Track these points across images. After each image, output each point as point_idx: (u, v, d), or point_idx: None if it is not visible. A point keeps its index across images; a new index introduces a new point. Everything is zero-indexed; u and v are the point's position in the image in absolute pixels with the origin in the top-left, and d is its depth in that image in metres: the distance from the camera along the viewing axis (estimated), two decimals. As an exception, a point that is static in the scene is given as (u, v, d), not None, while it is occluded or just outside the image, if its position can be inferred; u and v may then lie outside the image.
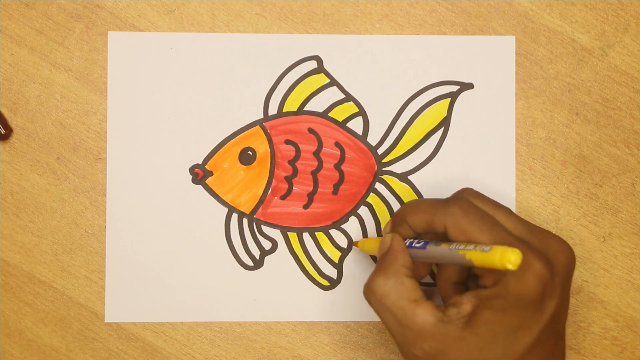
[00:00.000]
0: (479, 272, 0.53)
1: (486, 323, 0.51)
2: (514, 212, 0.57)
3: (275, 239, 0.63)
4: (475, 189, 0.56)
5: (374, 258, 0.63)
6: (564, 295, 0.53)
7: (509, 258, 0.48)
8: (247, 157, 0.63)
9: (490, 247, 0.49)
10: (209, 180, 0.63)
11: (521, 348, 0.51)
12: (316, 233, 0.63)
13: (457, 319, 0.51)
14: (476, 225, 0.52)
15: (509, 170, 0.63)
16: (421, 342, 0.52)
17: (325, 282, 0.63)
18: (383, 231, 0.58)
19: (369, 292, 0.54)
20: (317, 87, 0.63)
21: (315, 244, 0.63)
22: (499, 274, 0.51)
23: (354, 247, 0.62)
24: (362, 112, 0.63)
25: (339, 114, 0.63)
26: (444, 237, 0.54)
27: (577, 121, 0.63)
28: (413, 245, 0.55)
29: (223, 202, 0.63)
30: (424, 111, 0.63)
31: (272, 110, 0.63)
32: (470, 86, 0.63)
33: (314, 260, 0.63)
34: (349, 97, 0.63)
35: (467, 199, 0.54)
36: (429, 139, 0.63)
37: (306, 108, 0.63)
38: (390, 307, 0.53)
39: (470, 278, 0.57)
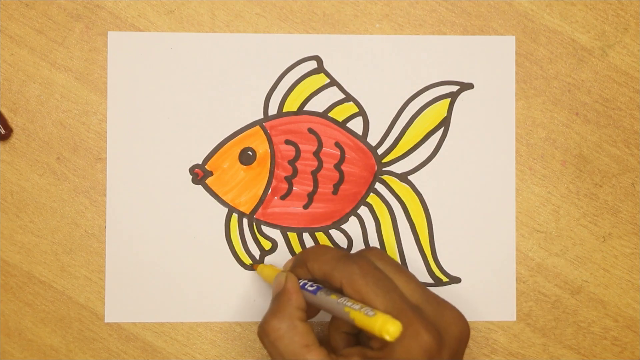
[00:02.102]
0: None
1: None
2: (418, 278, 0.57)
3: (275, 239, 0.63)
4: (381, 251, 0.56)
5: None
6: None
7: (388, 329, 0.49)
8: (247, 157, 0.63)
9: (375, 312, 0.50)
10: (209, 180, 0.63)
11: None
12: (316, 233, 0.63)
13: None
14: (371, 287, 0.52)
15: (509, 170, 0.63)
16: None
17: (325, 282, 0.63)
18: (284, 267, 0.58)
19: (263, 334, 0.54)
20: (317, 87, 0.63)
21: (315, 244, 0.63)
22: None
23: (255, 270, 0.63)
24: (362, 112, 0.63)
25: (339, 114, 0.63)
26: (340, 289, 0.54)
27: (577, 121, 0.63)
28: (306, 287, 0.55)
29: (223, 202, 0.63)
30: (424, 111, 0.63)
31: (272, 110, 0.63)
32: (470, 86, 0.63)
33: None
34: (349, 97, 0.63)
35: (369, 259, 0.54)
36: (429, 139, 0.63)
37: (306, 108, 0.63)
38: (282, 352, 0.53)
39: (362, 332, 0.56)
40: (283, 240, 0.63)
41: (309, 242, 0.63)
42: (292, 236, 0.63)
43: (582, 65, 0.63)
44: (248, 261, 0.62)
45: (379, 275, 0.53)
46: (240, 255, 0.62)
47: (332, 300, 0.53)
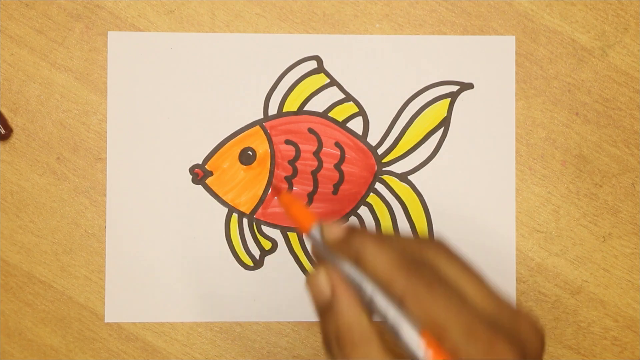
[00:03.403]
0: None
1: None
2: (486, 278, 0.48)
3: (275, 239, 0.63)
4: (445, 246, 0.47)
5: None
6: None
7: None
8: (247, 157, 0.63)
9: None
10: (209, 180, 0.63)
11: None
12: (316, 233, 0.63)
13: None
14: (440, 304, 0.43)
15: (509, 170, 0.63)
16: None
17: (325, 282, 0.63)
18: (327, 230, 0.47)
19: None
20: (317, 87, 0.63)
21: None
22: None
23: None
24: (362, 112, 0.63)
25: (339, 114, 0.63)
26: None
27: (577, 121, 0.63)
28: (358, 286, 0.44)
29: (223, 202, 0.63)
30: (424, 111, 0.63)
31: (272, 110, 0.63)
32: (470, 86, 0.63)
33: (314, 261, 0.63)
34: (349, 97, 0.63)
35: (435, 266, 0.45)
36: (429, 139, 0.63)
37: (306, 108, 0.63)
38: None
39: None
40: (283, 240, 0.63)
41: (309, 242, 0.63)
42: (292, 236, 0.63)
43: (582, 65, 0.63)
44: (248, 261, 0.62)
45: (447, 291, 0.44)
46: (240, 255, 0.62)
47: (387, 310, 0.43)
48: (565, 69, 0.63)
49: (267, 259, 0.63)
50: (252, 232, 0.63)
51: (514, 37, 0.63)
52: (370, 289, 0.43)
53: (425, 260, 0.45)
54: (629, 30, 0.63)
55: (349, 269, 0.43)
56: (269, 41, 0.63)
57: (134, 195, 0.62)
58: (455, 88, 0.63)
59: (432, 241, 0.47)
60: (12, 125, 0.62)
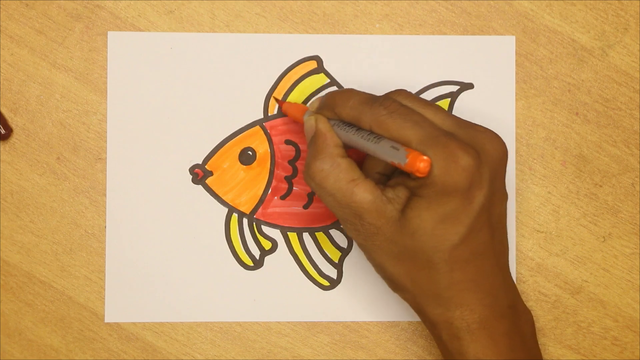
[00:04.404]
0: None
1: (415, 209, 0.52)
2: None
3: (275, 239, 0.63)
4: (406, 91, 0.56)
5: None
6: (495, 187, 0.54)
7: (418, 166, 0.50)
8: (247, 157, 0.63)
9: (402, 149, 0.51)
10: (209, 180, 0.63)
11: (453, 238, 0.52)
12: (316, 233, 0.63)
13: (394, 200, 0.53)
14: (399, 123, 0.52)
15: (509, 170, 0.63)
16: (360, 219, 0.53)
17: (325, 282, 0.63)
18: (310, 106, 0.58)
19: (309, 179, 0.55)
20: (317, 87, 0.63)
21: (315, 244, 0.63)
22: None
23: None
24: (362, 112, 0.63)
25: (339, 114, 0.63)
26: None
27: (577, 121, 0.63)
28: (337, 127, 0.56)
29: (223, 202, 0.63)
30: (424, 111, 0.63)
31: (272, 110, 0.63)
32: (470, 86, 0.63)
33: (314, 260, 0.63)
34: (349, 97, 0.63)
35: (393, 99, 0.54)
36: (429, 139, 0.63)
37: (306, 108, 0.63)
38: (330, 190, 0.54)
39: (396, 172, 0.57)
40: (283, 240, 0.63)
41: (309, 242, 0.63)
42: (292, 236, 0.63)
43: (582, 65, 0.63)
44: (248, 261, 0.62)
45: (406, 111, 0.53)
46: (240, 255, 0.62)
47: (364, 136, 0.53)
48: (565, 69, 0.63)
49: (267, 259, 0.63)
50: (252, 232, 0.63)
51: (514, 37, 0.63)
52: (348, 129, 0.55)
53: (388, 97, 0.55)
54: (629, 30, 0.63)
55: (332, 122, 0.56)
56: (269, 41, 0.63)
57: (134, 195, 0.62)
58: (455, 88, 0.63)
59: (393, 90, 0.56)
60: (12, 125, 0.62)
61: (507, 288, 0.55)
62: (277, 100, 0.62)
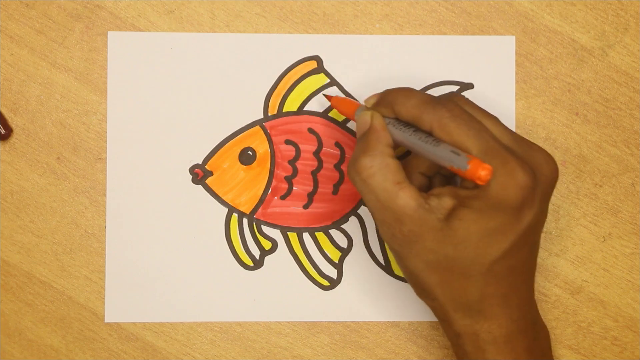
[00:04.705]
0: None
1: (462, 220, 0.51)
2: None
3: (275, 239, 0.63)
4: (466, 97, 0.56)
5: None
6: (543, 208, 0.54)
7: (480, 173, 0.49)
8: (247, 157, 0.63)
9: (464, 155, 0.50)
10: (209, 180, 0.63)
11: (495, 252, 0.52)
12: (316, 233, 0.63)
13: (437, 209, 0.52)
14: (463, 129, 0.51)
15: (509, 170, 0.63)
16: (400, 224, 0.52)
17: (325, 282, 0.63)
18: (365, 102, 0.57)
19: (354, 173, 0.53)
20: (317, 87, 0.63)
21: (315, 244, 0.63)
22: None
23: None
24: (362, 112, 0.63)
25: (339, 114, 0.63)
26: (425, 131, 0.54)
27: (577, 121, 0.63)
28: (392, 126, 0.54)
29: (223, 202, 0.63)
30: (424, 111, 0.63)
31: (272, 110, 0.63)
32: (470, 86, 0.63)
33: (314, 260, 0.63)
34: (349, 97, 0.63)
35: (456, 103, 0.53)
36: (429, 139, 0.63)
37: (306, 108, 0.63)
38: (374, 189, 0.52)
39: (437, 175, 0.57)
40: (283, 240, 0.63)
41: (309, 242, 0.63)
42: (292, 236, 0.63)
43: (582, 65, 0.63)
44: (248, 261, 0.62)
45: (469, 118, 0.52)
46: (240, 255, 0.62)
47: (421, 138, 0.52)
48: (565, 69, 0.63)
49: (267, 259, 0.63)
50: (252, 232, 0.63)
51: (514, 37, 0.63)
52: (404, 129, 0.54)
53: (451, 99, 0.54)
54: (629, 30, 0.63)
55: (388, 120, 0.55)
56: (269, 41, 0.63)
57: (134, 195, 0.62)
58: (455, 88, 0.63)
59: (453, 93, 0.56)
60: (12, 125, 0.62)
61: (531, 304, 0.56)
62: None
